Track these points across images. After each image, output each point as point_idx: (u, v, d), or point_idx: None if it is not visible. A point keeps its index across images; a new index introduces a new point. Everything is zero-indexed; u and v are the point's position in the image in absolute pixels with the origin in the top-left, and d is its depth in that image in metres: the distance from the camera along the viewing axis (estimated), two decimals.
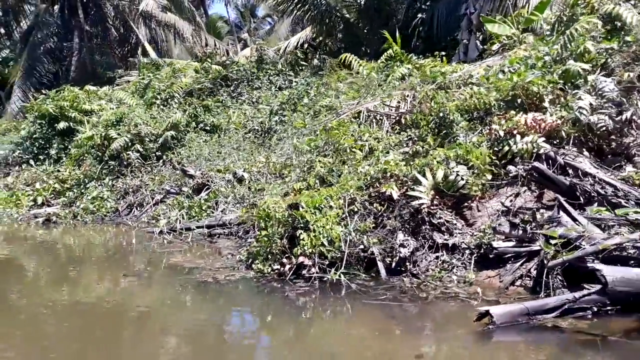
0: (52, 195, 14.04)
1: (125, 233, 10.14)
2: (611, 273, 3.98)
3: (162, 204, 11.40)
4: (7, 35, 31.83)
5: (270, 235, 6.61)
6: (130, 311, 5.77)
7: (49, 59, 29.78)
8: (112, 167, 13.61)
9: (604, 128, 7.82)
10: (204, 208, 10.14)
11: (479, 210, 7.01)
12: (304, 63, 18.97)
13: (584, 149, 7.90)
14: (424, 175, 6.84)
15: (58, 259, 8.85)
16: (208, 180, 10.94)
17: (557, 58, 8.69)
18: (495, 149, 7.70)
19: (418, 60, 11.96)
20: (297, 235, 6.38)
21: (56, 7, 30.79)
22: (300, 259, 6.21)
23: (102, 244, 9.93)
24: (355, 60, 12.65)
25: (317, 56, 19.11)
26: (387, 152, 7.67)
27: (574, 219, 5.82)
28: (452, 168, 7.02)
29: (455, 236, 6.56)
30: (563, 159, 7.50)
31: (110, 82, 23.12)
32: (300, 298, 5.76)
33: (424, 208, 6.56)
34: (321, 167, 7.96)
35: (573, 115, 7.67)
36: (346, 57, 12.75)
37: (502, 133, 7.64)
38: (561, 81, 8.23)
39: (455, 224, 6.77)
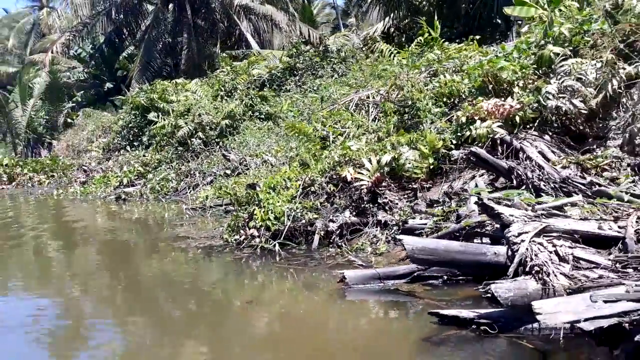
0: (137, 177, 16.37)
1: (169, 209, 11.90)
2: (412, 243, 4.61)
3: (210, 185, 13.03)
4: (130, 34, 35.92)
5: (237, 210, 7.81)
6: (105, 262, 7.84)
7: (163, 54, 33.32)
8: (180, 152, 15.57)
9: (572, 112, 7.94)
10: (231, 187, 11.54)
11: (421, 191, 7.63)
12: (384, 47, 19.61)
13: (549, 133, 8.06)
14: (369, 160, 7.59)
15: (97, 222, 11.26)
16: (241, 164, 12.34)
17: (541, 42, 8.79)
18: (459, 134, 8.19)
19: (448, 45, 12.29)
20: (252, 211, 7.51)
21: (170, 5, 34.17)
22: (251, 231, 7.33)
23: (140, 215, 11.96)
24: (387, 48, 13.26)
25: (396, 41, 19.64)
26: (355, 138, 8.45)
27: (480, 199, 6.32)
28: (404, 153, 7.69)
29: (392, 214, 7.27)
30: (520, 143, 7.79)
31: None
32: (236, 260, 6.93)
33: (363, 189, 7.34)
34: (305, 152, 8.95)
35: (534, 100, 7.89)
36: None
37: (464, 119, 8.10)
38: (534, 66, 8.39)
39: (397, 204, 7.46)
